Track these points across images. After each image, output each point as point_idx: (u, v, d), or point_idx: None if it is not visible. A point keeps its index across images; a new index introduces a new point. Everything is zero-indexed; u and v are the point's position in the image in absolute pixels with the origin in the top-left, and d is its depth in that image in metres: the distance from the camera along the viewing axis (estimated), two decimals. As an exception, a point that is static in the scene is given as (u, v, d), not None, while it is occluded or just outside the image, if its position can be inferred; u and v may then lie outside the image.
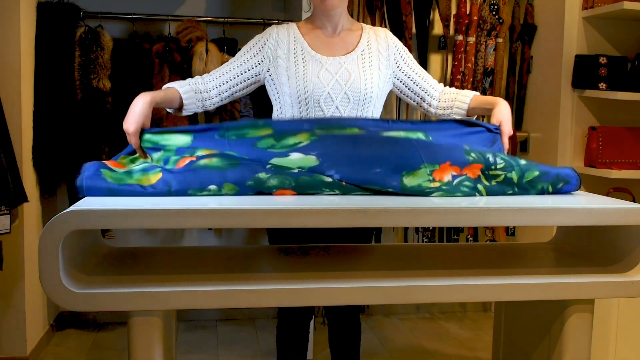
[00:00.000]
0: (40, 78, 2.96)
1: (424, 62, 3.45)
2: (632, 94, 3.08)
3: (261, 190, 1.62)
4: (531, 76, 3.56)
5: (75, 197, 1.62)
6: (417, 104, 2.11)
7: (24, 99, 2.81)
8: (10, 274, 2.77)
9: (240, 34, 3.39)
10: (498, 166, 1.70)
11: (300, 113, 1.95)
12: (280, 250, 1.94)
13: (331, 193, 1.64)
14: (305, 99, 1.93)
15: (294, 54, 1.96)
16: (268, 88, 2.03)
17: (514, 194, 1.73)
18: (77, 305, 1.52)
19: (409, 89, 2.09)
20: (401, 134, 1.76)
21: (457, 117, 2.04)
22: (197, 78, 2.01)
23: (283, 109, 1.99)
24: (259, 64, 1.99)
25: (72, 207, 1.52)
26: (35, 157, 2.94)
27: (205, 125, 1.77)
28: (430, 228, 3.47)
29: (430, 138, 1.77)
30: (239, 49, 3.35)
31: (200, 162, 1.63)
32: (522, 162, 1.73)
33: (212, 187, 1.60)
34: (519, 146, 3.57)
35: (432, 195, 1.64)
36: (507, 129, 1.86)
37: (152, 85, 3.05)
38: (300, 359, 2.20)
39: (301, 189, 1.63)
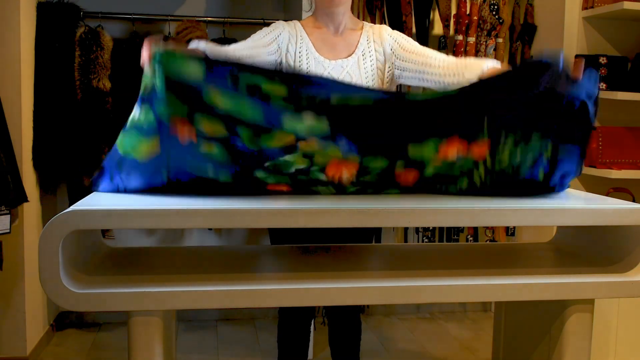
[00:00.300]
0: (40, 78, 2.96)
1: (424, 62, 3.45)
2: (632, 94, 3.08)
3: (256, 184, 1.64)
4: (531, 76, 3.56)
5: (75, 197, 1.61)
6: (424, 81, 1.98)
7: (24, 99, 2.81)
8: (10, 274, 2.77)
9: (240, 34, 3.38)
10: (506, 147, 1.63)
11: None
12: (280, 250, 1.94)
13: (326, 192, 1.68)
14: None
15: (299, 54, 1.98)
16: None
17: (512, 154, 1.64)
18: (77, 305, 1.52)
19: (411, 70, 2.00)
20: (424, 93, 1.73)
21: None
22: (227, 48, 1.94)
23: None
24: (276, 51, 1.99)
25: (72, 207, 1.52)
26: (35, 157, 2.94)
27: (220, 60, 1.62)
28: (430, 228, 3.47)
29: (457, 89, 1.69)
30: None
31: (200, 148, 1.59)
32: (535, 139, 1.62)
33: (210, 173, 1.62)
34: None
35: (429, 167, 1.66)
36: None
37: (152, 85, 3.05)
38: (301, 359, 2.21)
39: (297, 186, 1.66)
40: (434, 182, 1.71)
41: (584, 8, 3.21)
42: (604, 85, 3.16)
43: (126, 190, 1.66)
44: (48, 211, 3.12)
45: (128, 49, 3.09)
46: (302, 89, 1.57)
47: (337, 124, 1.59)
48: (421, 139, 1.64)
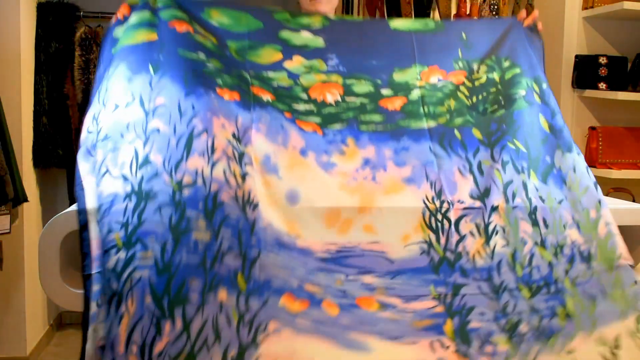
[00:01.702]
0: (40, 78, 2.96)
1: (424, 62, 3.45)
2: (632, 94, 3.08)
3: (243, 80, 1.66)
4: (531, 76, 3.56)
5: (74, 197, 1.62)
6: None
7: (24, 99, 2.81)
8: (10, 274, 2.77)
9: (240, 34, 3.39)
10: (480, 71, 1.77)
11: None
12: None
13: (306, 107, 1.67)
14: None
15: None
16: None
17: (497, 92, 1.74)
18: (77, 305, 1.52)
19: None
20: (408, 23, 1.85)
21: None
22: None
23: None
24: None
25: (72, 207, 1.52)
26: (35, 157, 2.94)
27: None
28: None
29: (440, 23, 1.87)
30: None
31: (195, 37, 1.66)
32: (506, 64, 1.79)
33: (202, 55, 1.63)
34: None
35: (413, 91, 1.73)
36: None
37: (152, 85, 3.05)
38: None
39: (279, 97, 1.67)
40: (420, 105, 1.73)
41: (584, 8, 3.21)
42: (604, 85, 3.16)
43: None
44: (48, 211, 3.12)
45: (128, 49, 3.09)
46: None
47: (331, 41, 1.72)
48: (405, 64, 1.75)
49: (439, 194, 1.58)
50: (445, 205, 1.57)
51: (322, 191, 1.55)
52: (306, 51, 1.72)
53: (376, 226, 1.52)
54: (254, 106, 1.61)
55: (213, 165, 1.45)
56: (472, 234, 1.55)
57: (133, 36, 1.63)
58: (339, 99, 1.70)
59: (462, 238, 1.54)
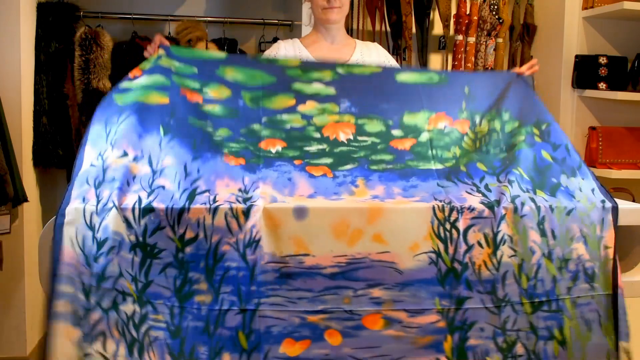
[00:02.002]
0: (40, 78, 2.96)
1: (424, 62, 3.45)
2: (632, 94, 3.08)
3: (252, 138, 1.73)
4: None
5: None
6: None
7: (24, 99, 2.81)
8: (10, 274, 2.76)
9: (240, 34, 3.39)
10: (482, 124, 1.84)
11: None
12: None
13: (319, 147, 1.74)
14: None
15: None
16: None
17: (498, 140, 1.80)
18: (77, 305, 1.52)
19: None
20: (414, 75, 1.93)
21: None
22: None
23: None
24: None
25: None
26: (35, 157, 2.94)
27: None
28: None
29: (444, 76, 1.94)
30: (239, 49, 3.37)
31: (204, 108, 1.74)
32: (506, 117, 1.85)
33: (209, 126, 1.72)
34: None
35: (422, 134, 1.80)
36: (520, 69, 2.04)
37: (152, 85, 3.05)
38: None
39: (291, 141, 1.73)
40: (429, 148, 1.79)
41: (584, 8, 3.21)
42: (604, 85, 3.16)
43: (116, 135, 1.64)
44: (48, 211, 3.12)
45: (128, 49, 3.09)
46: (312, 63, 1.92)
47: (342, 89, 1.80)
48: (414, 109, 1.83)
49: (448, 202, 1.60)
50: (454, 214, 1.58)
51: (331, 205, 1.58)
52: (319, 97, 1.81)
53: (386, 236, 1.54)
54: (260, 168, 1.66)
55: (215, 211, 1.51)
56: (479, 244, 1.57)
57: (146, 95, 1.70)
58: (352, 137, 1.77)
59: (469, 248, 1.56)
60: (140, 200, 1.51)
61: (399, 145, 1.78)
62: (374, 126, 1.80)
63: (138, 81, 1.73)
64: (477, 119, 1.86)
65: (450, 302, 1.54)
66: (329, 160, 1.72)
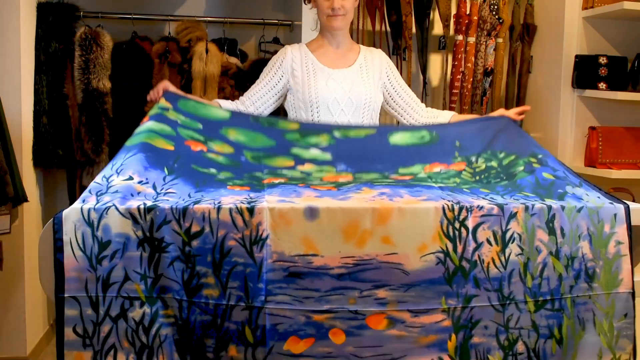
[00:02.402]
0: (40, 78, 2.96)
1: (424, 62, 3.45)
2: (632, 94, 3.08)
3: (255, 179, 1.81)
4: (531, 76, 3.56)
5: (75, 197, 1.62)
6: (399, 115, 2.38)
7: (24, 99, 2.81)
8: (10, 274, 2.77)
9: (240, 34, 3.39)
10: (479, 162, 1.91)
11: (312, 115, 2.23)
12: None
13: (321, 183, 1.83)
14: (317, 103, 2.23)
15: (306, 67, 2.27)
16: (287, 97, 2.34)
17: (498, 172, 1.86)
18: (77, 306, 1.52)
19: (393, 100, 2.36)
20: (406, 135, 2.03)
21: None
22: (237, 103, 2.29)
23: (297, 112, 2.28)
24: (281, 79, 2.29)
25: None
26: (35, 157, 2.94)
27: (238, 112, 2.13)
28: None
29: (435, 133, 2.03)
30: (239, 49, 3.38)
31: (208, 155, 1.82)
32: (501, 155, 1.92)
33: (213, 170, 1.80)
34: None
35: (420, 174, 1.87)
36: (510, 113, 2.16)
37: (151, 85, 3.04)
38: None
39: (291, 181, 1.82)
40: (429, 179, 1.88)
41: (584, 8, 3.21)
42: (604, 85, 3.16)
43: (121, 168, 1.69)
44: (48, 211, 3.12)
45: (128, 49, 3.09)
46: (310, 126, 2.04)
47: (338, 155, 1.89)
48: (408, 164, 1.93)
49: (457, 202, 1.63)
50: (463, 212, 1.60)
51: (341, 205, 1.61)
52: (316, 161, 1.90)
53: (394, 237, 1.57)
54: (265, 189, 1.72)
55: (219, 208, 1.54)
56: (488, 241, 1.59)
57: (152, 139, 1.77)
58: (350, 182, 1.85)
59: (478, 246, 1.59)
60: (145, 203, 1.55)
61: (399, 178, 1.90)
62: (371, 176, 1.90)
63: (146, 125, 1.82)
64: (473, 159, 1.95)
65: (457, 301, 1.56)
66: (332, 185, 1.81)
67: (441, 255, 1.57)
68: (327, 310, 1.53)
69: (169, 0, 3.38)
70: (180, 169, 1.74)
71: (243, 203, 1.57)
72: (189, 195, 1.64)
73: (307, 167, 1.90)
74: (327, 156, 1.91)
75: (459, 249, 1.57)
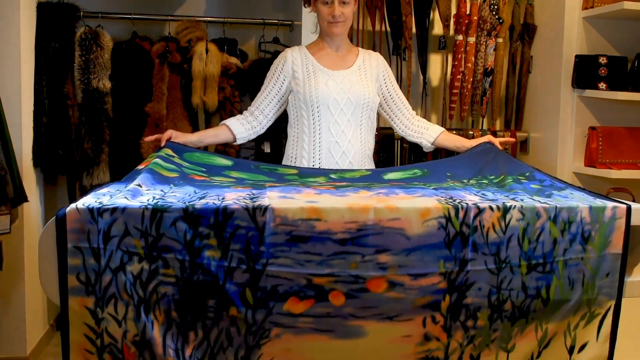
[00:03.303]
0: (40, 78, 2.96)
1: (424, 62, 3.45)
2: (632, 94, 3.08)
3: (256, 184, 1.89)
4: (531, 76, 3.56)
5: (75, 197, 1.63)
6: (390, 118, 2.47)
7: (24, 99, 2.81)
8: (10, 274, 2.77)
9: (240, 34, 3.39)
10: (471, 182, 2.02)
11: (313, 114, 2.30)
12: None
13: (321, 183, 1.90)
14: (317, 102, 2.29)
15: (306, 68, 2.34)
16: (289, 98, 2.40)
17: (489, 184, 1.98)
18: (77, 306, 1.52)
19: (386, 103, 2.44)
20: (399, 173, 2.15)
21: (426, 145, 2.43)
22: (246, 114, 2.40)
23: (298, 112, 2.34)
24: (284, 82, 2.37)
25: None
26: (35, 157, 2.94)
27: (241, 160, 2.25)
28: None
29: (426, 170, 2.15)
30: (239, 49, 3.38)
31: (211, 181, 1.93)
32: (492, 177, 2.05)
33: (217, 183, 1.87)
34: (519, 146, 3.57)
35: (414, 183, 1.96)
36: (495, 141, 2.30)
37: (151, 85, 3.05)
38: None
39: (292, 183, 1.92)
40: (423, 183, 1.97)
41: (584, 8, 3.21)
42: (604, 85, 3.17)
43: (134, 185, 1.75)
44: (48, 211, 3.13)
45: (128, 49, 3.09)
46: (308, 170, 2.16)
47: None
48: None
49: (449, 197, 1.71)
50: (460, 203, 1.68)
51: (342, 199, 1.69)
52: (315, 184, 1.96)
53: (399, 205, 1.62)
54: (267, 188, 1.81)
55: (223, 199, 1.62)
56: (491, 208, 1.65)
57: (158, 168, 1.89)
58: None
59: (480, 211, 1.63)
60: (154, 198, 1.61)
61: (394, 183, 2.00)
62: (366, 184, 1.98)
63: (151, 160, 1.96)
64: (465, 181, 2.05)
65: (454, 265, 1.61)
66: (331, 186, 1.88)
67: (443, 221, 1.61)
68: (328, 274, 1.56)
69: (169, 0, 3.38)
70: (185, 185, 1.82)
71: (246, 199, 1.62)
72: (195, 192, 1.70)
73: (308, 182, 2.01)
74: (322, 195, 1.98)
75: (461, 214, 1.62)
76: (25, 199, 2.60)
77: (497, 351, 1.67)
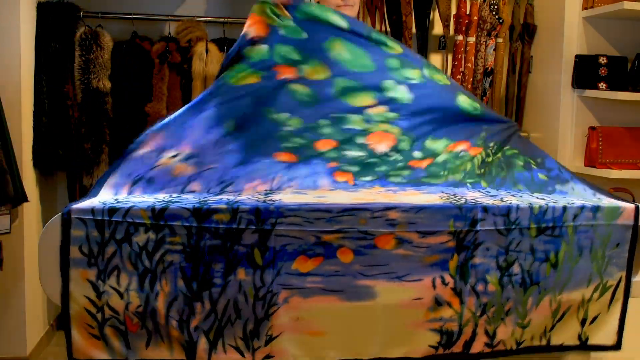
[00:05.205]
0: (40, 78, 2.96)
1: (424, 62, 3.45)
2: (632, 94, 3.08)
3: (313, 135, 1.84)
4: (531, 76, 3.56)
5: (75, 197, 1.63)
6: None
7: (24, 99, 2.81)
8: (10, 274, 2.77)
9: (240, 34, 3.38)
10: (490, 154, 1.98)
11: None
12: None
13: (356, 154, 1.86)
14: None
15: None
16: None
17: (500, 161, 1.96)
18: (77, 305, 1.52)
19: None
20: (467, 100, 2.03)
21: None
22: None
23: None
24: None
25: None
26: (35, 157, 2.94)
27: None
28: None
29: (480, 109, 2.04)
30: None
31: (292, 86, 1.87)
32: (506, 148, 2.00)
33: (283, 116, 1.84)
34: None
35: (439, 156, 1.92)
36: None
37: (151, 85, 3.05)
38: None
39: (341, 143, 1.88)
40: (442, 169, 1.91)
41: (584, 8, 3.21)
42: (604, 85, 3.16)
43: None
44: (48, 211, 3.12)
45: (128, 49, 3.09)
46: (409, 56, 2.03)
47: (418, 99, 1.94)
48: (439, 135, 1.95)
49: (453, 194, 1.76)
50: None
51: (350, 194, 1.71)
52: (393, 104, 1.91)
53: (401, 200, 1.66)
54: (300, 165, 1.78)
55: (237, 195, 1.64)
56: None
57: (237, 77, 1.84)
58: (386, 151, 1.89)
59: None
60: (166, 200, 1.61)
61: (416, 165, 1.92)
62: (404, 144, 1.91)
63: (249, 57, 1.87)
64: (489, 150, 2.00)
65: (464, 224, 1.62)
66: (356, 169, 1.85)
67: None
68: (337, 230, 1.56)
69: (169, 0, 3.38)
70: (248, 120, 1.79)
71: (259, 195, 1.65)
72: (220, 181, 1.70)
73: (377, 111, 1.91)
74: (410, 97, 1.93)
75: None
76: (25, 199, 2.60)
77: (514, 328, 1.67)
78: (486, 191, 1.81)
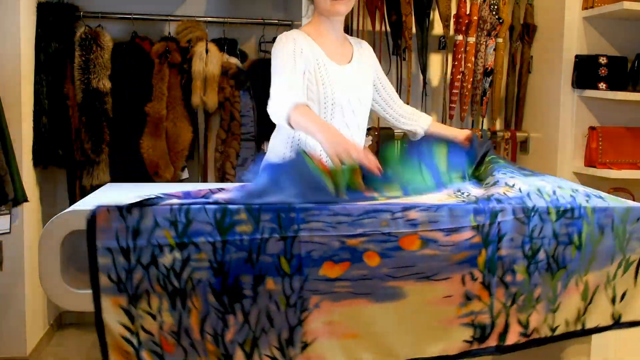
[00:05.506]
0: (40, 78, 2.96)
1: (424, 62, 3.45)
2: (632, 94, 3.08)
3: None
4: (531, 76, 3.56)
5: (75, 197, 1.62)
6: (382, 109, 2.28)
7: (24, 99, 2.81)
8: (10, 274, 2.77)
9: (240, 34, 3.39)
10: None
11: (325, 115, 2.04)
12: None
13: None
14: (332, 105, 2.04)
15: (317, 62, 2.05)
16: None
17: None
18: (77, 305, 1.53)
19: (379, 94, 2.25)
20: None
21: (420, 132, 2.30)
22: (303, 99, 1.97)
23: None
24: (305, 66, 2.03)
25: (72, 207, 1.52)
26: (35, 157, 2.94)
27: None
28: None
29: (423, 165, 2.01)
30: (239, 49, 3.37)
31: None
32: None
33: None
34: (519, 146, 3.57)
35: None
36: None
37: (151, 85, 3.05)
38: None
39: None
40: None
41: (584, 8, 3.21)
42: (604, 85, 3.17)
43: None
44: (48, 211, 3.12)
45: (128, 49, 3.09)
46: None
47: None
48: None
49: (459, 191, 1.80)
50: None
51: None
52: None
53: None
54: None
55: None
56: (497, 183, 1.77)
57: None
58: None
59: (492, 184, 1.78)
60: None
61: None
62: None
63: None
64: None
65: (484, 217, 1.62)
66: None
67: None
68: (360, 234, 1.56)
69: (169, 0, 3.38)
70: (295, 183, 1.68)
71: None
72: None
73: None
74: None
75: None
76: (25, 199, 2.60)
77: (546, 314, 1.66)
78: (485, 184, 1.83)
